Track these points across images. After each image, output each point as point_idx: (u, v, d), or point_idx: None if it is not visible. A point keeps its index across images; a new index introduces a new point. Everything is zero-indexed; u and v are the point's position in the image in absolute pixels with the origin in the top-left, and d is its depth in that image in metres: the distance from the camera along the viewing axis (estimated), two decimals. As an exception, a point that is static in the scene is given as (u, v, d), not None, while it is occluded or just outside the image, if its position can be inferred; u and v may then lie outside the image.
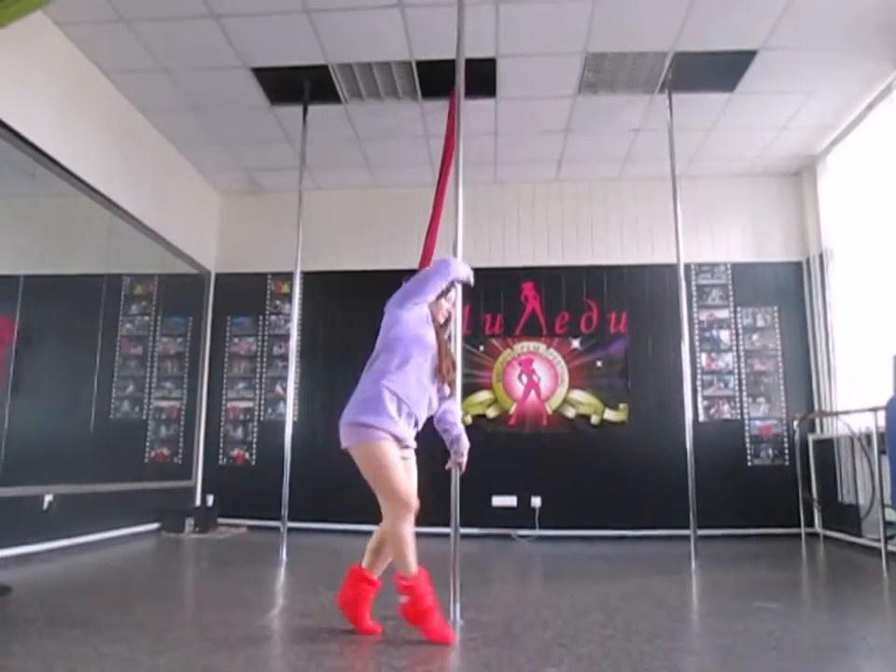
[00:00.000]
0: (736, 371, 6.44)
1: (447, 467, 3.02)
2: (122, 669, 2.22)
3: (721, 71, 5.04)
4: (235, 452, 6.77)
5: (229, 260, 7.11)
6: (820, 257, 6.26)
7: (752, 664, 2.33)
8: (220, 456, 6.78)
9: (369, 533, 2.92)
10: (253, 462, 6.72)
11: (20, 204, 4.64)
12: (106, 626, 2.76)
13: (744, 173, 6.68)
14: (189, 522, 6.00)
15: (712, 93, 5.34)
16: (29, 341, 4.52)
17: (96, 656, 2.35)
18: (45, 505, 4.55)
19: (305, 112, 5.45)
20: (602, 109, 5.58)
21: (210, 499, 6.54)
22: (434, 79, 5.13)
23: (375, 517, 2.77)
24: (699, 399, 6.36)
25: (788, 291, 6.53)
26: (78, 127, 4.92)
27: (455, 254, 3.31)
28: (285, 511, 4.91)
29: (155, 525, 5.97)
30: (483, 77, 5.08)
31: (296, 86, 5.27)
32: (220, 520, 6.40)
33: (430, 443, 3.03)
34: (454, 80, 3.66)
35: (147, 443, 6.05)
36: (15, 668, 2.21)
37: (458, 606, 2.94)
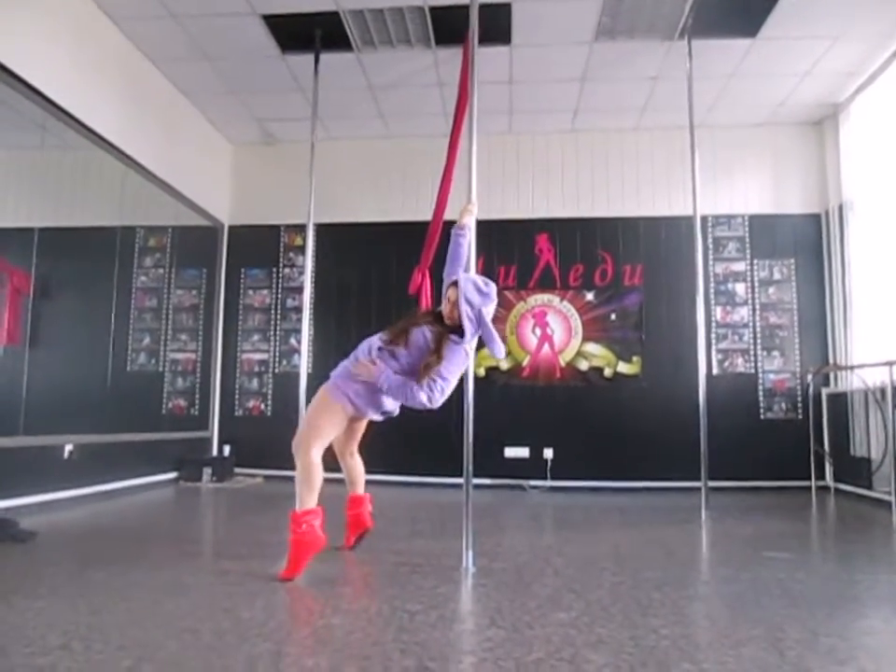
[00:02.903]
0: (751, 324, 6.40)
1: None
2: (144, 611, 2.30)
3: (743, 15, 4.89)
4: (251, 403, 6.85)
5: (241, 212, 7.09)
6: (840, 209, 6.15)
7: (760, 610, 2.37)
8: (236, 408, 6.86)
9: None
10: (268, 413, 6.80)
11: (32, 157, 4.63)
12: (128, 570, 2.84)
13: (764, 122, 6.53)
14: (207, 471, 6.12)
15: (733, 39, 5.19)
16: (46, 293, 4.56)
17: (119, 598, 2.43)
18: (66, 454, 4.65)
19: (317, 60, 5.36)
20: (619, 56, 5.44)
21: (227, 449, 6.65)
22: (447, 25, 5.01)
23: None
24: (713, 352, 6.35)
25: (805, 244, 6.44)
26: (88, 76, 4.87)
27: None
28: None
29: (173, 475, 6.09)
30: (497, 23, 4.97)
31: (307, 33, 5.17)
32: (237, 470, 6.51)
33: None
34: (468, 26, 3.59)
35: (164, 395, 6.13)
36: (41, 609, 2.29)
37: (471, 553, 3.00)
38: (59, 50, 4.54)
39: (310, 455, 2.88)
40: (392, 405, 3.14)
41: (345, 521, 3.41)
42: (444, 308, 3.09)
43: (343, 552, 3.30)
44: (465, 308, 2.92)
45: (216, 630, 2.07)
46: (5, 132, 4.37)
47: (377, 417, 3.19)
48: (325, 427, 2.99)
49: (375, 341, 3.10)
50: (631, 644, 1.99)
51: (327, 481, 2.94)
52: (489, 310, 3.00)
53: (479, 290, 2.98)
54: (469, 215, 3.32)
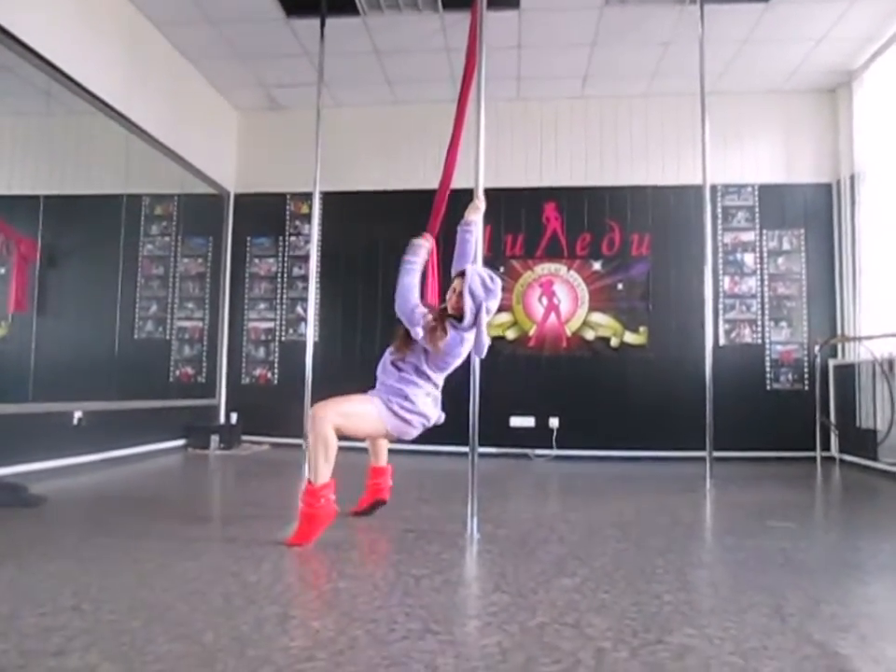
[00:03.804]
0: (759, 294, 6.37)
1: None
2: (154, 573, 2.33)
3: (757, -21, 4.80)
4: (258, 371, 6.88)
5: (247, 180, 7.05)
6: (851, 179, 6.08)
7: (762, 578, 2.38)
8: (243, 375, 6.90)
9: (390, 451, 3.09)
10: (275, 381, 6.83)
11: (37, 124, 4.60)
12: (136, 535, 2.88)
13: (776, 89, 6.43)
14: (215, 438, 6.17)
15: (746, 3, 5.08)
16: (53, 261, 4.55)
17: (129, 561, 2.46)
18: (75, 421, 4.69)
19: (323, 25, 5.27)
20: (630, 21, 5.34)
21: (234, 417, 6.69)
22: (455, -12, 4.93)
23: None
24: (720, 322, 6.33)
25: (816, 214, 6.37)
26: (91, 42, 4.81)
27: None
28: (306, 430, 5.01)
29: (181, 442, 6.15)
30: (506, -13, 4.89)
31: (312, -4, 5.10)
32: (244, 437, 6.56)
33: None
34: (476, -11, 3.52)
35: (172, 363, 6.16)
36: (53, 571, 2.32)
37: (476, 520, 3.02)
38: (60, 14, 4.47)
39: (325, 429, 2.82)
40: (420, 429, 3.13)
41: (365, 487, 3.43)
42: (449, 298, 3.04)
43: (349, 517, 3.33)
44: (467, 298, 2.90)
45: (223, 593, 2.10)
46: (9, 98, 4.34)
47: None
48: (355, 426, 2.94)
49: (387, 357, 3.08)
50: (634, 609, 2.01)
51: (344, 450, 2.94)
52: (491, 306, 2.96)
53: (484, 285, 2.94)
54: (475, 212, 3.26)
